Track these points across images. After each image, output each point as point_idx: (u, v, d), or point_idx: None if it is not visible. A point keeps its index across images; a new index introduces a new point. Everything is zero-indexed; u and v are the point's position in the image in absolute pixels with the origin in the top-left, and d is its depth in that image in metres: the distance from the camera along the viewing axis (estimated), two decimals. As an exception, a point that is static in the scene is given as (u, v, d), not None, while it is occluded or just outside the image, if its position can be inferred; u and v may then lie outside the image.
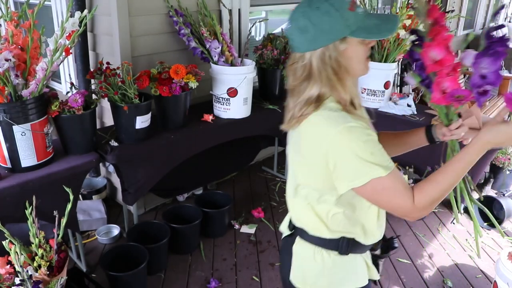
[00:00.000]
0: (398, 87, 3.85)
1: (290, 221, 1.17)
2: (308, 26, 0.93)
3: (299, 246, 1.12)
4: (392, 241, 1.25)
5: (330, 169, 0.96)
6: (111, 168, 2.68)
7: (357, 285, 1.10)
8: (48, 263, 1.52)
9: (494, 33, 1.08)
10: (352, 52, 0.96)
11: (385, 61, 2.73)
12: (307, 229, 1.09)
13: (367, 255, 1.15)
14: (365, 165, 0.91)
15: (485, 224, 2.86)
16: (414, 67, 1.08)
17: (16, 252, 1.42)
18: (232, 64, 2.43)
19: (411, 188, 0.96)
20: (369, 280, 1.14)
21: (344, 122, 0.93)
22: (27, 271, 1.44)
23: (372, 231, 1.08)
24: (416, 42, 1.08)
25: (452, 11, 5.39)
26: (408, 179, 2.81)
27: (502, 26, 1.00)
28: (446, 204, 3.13)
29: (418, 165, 2.85)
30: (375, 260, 1.18)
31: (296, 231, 1.13)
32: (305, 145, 1.00)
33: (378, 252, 1.20)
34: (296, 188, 1.08)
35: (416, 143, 1.27)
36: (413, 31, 1.05)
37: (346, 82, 0.98)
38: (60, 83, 3.05)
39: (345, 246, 1.06)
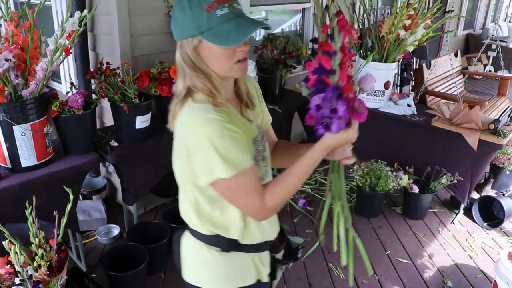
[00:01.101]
0: (398, 87, 3.85)
1: None
2: (172, 17, 0.96)
3: (186, 239, 1.13)
4: (297, 251, 1.25)
5: (189, 161, 0.95)
6: (111, 168, 2.68)
7: (240, 284, 1.10)
8: (48, 263, 1.52)
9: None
10: (207, 53, 0.95)
11: (385, 61, 2.73)
12: (188, 223, 1.10)
13: (260, 256, 1.12)
14: (216, 161, 0.90)
15: (485, 224, 2.87)
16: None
17: (16, 252, 1.42)
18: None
19: (262, 188, 0.96)
20: (259, 280, 1.13)
21: (204, 114, 0.92)
22: (27, 271, 1.44)
23: (249, 230, 1.06)
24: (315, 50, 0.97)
25: (452, 11, 5.39)
26: (408, 179, 2.81)
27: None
28: (446, 204, 3.13)
29: (418, 165, 2.85)
30: (273, 264, 1.17)
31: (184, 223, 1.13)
32: (175, 139, 1.00)
33: (279, 256, 1.19)
34: (178, 182, 1.07)
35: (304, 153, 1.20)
36: (314, 40, 0.97)
37: (208, 78, 0.97)
38: (60, 83, 3.05)
39: (225, 244, 1.06)
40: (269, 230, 1.13)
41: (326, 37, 0.91)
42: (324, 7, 0.93)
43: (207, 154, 0.90)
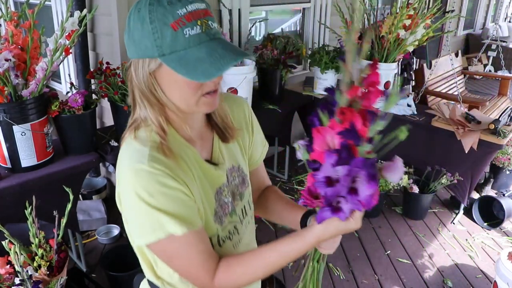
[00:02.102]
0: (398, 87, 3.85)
1: None
2: (127, 28, 0.74)
3: (144, 286, 0.99)
4: None
5: (122, 213, 0.79)
6: (111, 168, 2.68)
7: None
8: (48, 263, 1.52)
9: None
10: (168, 80, 0.74)
11: (385, 61, 2.73)
12: (145, 273, 0.93)
13: None
14: (148, 223, 0.74)
15: (485, 224, 2.87)
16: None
17: (16, 252, 1.41)
18: (232, 64, 2.43)
19: (212, 259, 0.78)
20: None
21: (135, 162, 0.74)
22: (27, 271, 1.44)
23: None
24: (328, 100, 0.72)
25: (452, 11, 5.39)
26: (408, 179, 2.81)
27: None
28: (446, 204, 3.13)
29: (418, 165, 2.85)
30: None
31: None
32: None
33: None
34: None
35: (289, 222, 0.97)
36: (330, 91, 0.71)
37: (163, 111, 0.78)
38: (60, 83, 3.05)
39: None
40: None
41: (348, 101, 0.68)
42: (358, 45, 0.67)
43: (135, 212, 0.75)
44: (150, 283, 0.92)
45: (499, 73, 5.54)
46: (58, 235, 1.55)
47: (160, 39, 0.69)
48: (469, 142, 2.49)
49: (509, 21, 7.99)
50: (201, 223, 0.79)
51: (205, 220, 0.82)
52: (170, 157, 0.76)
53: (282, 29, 3.44)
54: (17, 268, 1.42)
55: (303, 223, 0.92)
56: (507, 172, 3.20)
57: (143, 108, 0.78)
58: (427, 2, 4.48)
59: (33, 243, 1.53)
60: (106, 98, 2.02)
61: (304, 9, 3.58)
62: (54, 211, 1.51)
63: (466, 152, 2.50)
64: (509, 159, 3.14)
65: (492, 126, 2.46)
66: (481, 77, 6.29)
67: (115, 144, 2.05)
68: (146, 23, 0.70)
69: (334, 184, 0.66)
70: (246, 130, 0.95)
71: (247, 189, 0.95)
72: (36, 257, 1.51)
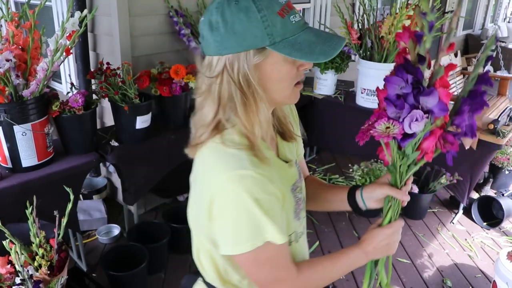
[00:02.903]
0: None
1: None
2: (219, 23, 0.70)
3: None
4: None
5: (212, 219, 0.75)
6: (111, 168, 2.68)
7: None
8: (48, 262, 1.52)
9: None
10: (272, 71, 0.73)
11: (385, 61, 2.74)
12: (204, 274, 0.90)
13: None
14: (248, 230, 0.71)
15: (485, 224, 2.87)
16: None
17: (17, 251, 1.42)
18: (232, 64, 2.43)
19: (294, 265, 0.80)
20: None
21: (237, 167, 0.71)
22: (28, 270, 1.45)
23: None
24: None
25: (452, 11, 5.39)
26: (408, 179, 2.82)
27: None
28: (446, 204, 3.13)
29: (418, 165, 2.85)
30: None
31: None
32: (195, 182, 0.81)
33: None
34: (191, 228, 0.88)
35: (335, 204, 1.01)
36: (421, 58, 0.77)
37: (256, 109, 0.75)
38: (61, 83, 3.05)
39: None
40: None
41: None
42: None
43: (232, 220, 0.72)
44: (211, 286, 0.89)
45: (498, 73, 5.54)
46: (58, 234, 1.55)
47: (270, 27, 0.69)
48: (469, 140, 2.50)
49: (508, 22, 8.00)
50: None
51: (287, 218, 0.83)
52: (264, 161, 0.75)
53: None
54: (18, 267, 1.42)
55: (351, 200, 0.95)
56: (506, 172, 3.21)
57: (232, 109, 0.74)
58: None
59: (33, 243, 1.53)
60: (106, 98, 2.02)
61: (304, 9, 3.58)
62: (54, 211, 1.51)
63: (466, 148, 2.50)
64: (508, 159, 3.15)
65: (491, 126, 2.47)
66: (480, 77, 6.28)
67: (116, 144, 2.06)
68: (253, 12, 0.69)
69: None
70: (294, 123, 0.97)
71: (303, 181, 0.96)
72: (37, 257, 1.51)
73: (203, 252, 0.86)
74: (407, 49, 0.79)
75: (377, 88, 0.83)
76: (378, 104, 0.83)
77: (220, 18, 0.70)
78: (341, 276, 0.85)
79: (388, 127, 0.77)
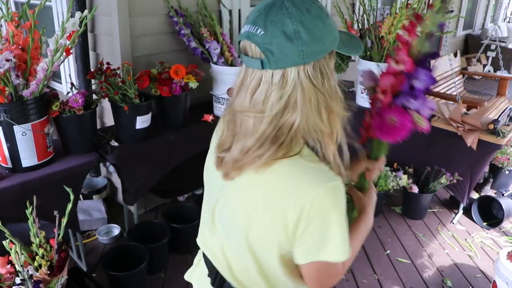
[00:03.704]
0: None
1: (219, 278, 0.93)
2: (300, 32, 0.70)
3: None
4: None
5: (290, 233, 0.75)
6: (111, 168, 2.68)
7: None
8: (48, 262, 1.52)
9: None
10: (325, 72, 0.74)
11: (384, 61, 2.74)
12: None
13: None
14: (342, 242, 0.75)
15: (484, 224, 2.87)
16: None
17: (17, 251, 1.42)
18: (232, 64, 2.43)
19: None
20: None
21: (328, 179, 0.73)
22: (28, 270, 1.45)
23: None
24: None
25: (452, 11, 5.40)
26: (408, 178, 2.82)
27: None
28: (446, 204, 3.13)
29: (418, 165, 2.85)
30: None
31: None
32: (271, 201, 0.77)
33: None
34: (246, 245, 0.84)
35: None
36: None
37: (333, 115, 0.76)
38: (61, 83, 3.05)
39: None
40: None
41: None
42: None
43: (328, 231, 0.73)
44: None
45: (498, 73, 5.54)
46: (58, 234, 1.55)
47: (335, 30, 0.75)
48: (470, 138, 2.50)
49: (508, 22, 8.00)
50: None
51: None
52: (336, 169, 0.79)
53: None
54: (18, 267, 1.42)
55: None
56: (506, 172, 3.21)
57: (315, 116, 0.74)
58: (427, 2, 4.49)
59: (33, 243, 1.53)
60: (106, 98, 2.02)
61: (303, 9, 3.58)
62: (54, 211, 1.51)
63: (469, 145, 2.50)
64: (508, 159, 3.15)
65: (491, 126, 2.47)
66: (480, 77, 6.30)
67: (116, 144, 2.06)
68: (325, 18, 0.73)
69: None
70: None
71: None
72: (37, 257, 1.51)
73: (263, 277, 0.86)
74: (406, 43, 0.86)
75: (382, 78, 0.91)
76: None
77: (301, 27, 0.70)
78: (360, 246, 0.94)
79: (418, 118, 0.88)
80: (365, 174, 1.02)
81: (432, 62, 0.83)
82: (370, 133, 0.94)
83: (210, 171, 0.91)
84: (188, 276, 1.13)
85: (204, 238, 0.99)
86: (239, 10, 2.86)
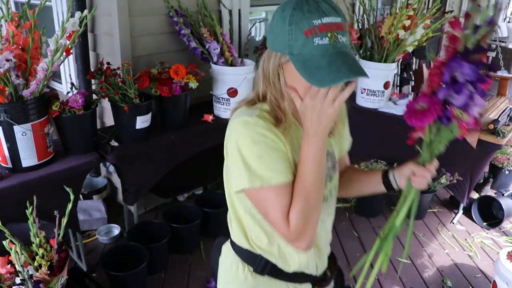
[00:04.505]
0: (398, 87, 3.85)
1: None
2: (272, 21, 0.85)
3: (225, 249, 1.07)
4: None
5: (226, 164, 0.93)
6: (111, 168, 2.68)
7: None
8: (48, 262, 1.52)
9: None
10: (290, 74, 0.84)
11: (384, 61, 2.74)
12: (232, 234, 1.03)
13: (302, 286, 1.02)
14: (242, 169, 0.84)
15: (484, 224, 2.87)
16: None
17: (17, 251, 1.42)
18: (232, 64, 2.43)
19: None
20: None
21: (244, 115, 0.86)
22: (28, 270, 1.45)
23: (290, 254, 0.97)
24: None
25: (452, 11, 5.39)
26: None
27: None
28: (446, 204, 3.13)
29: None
30: None
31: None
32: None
33: None
34: (225, 186, 1.00)
35: (371, 185, 1.09)
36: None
37: (281, 100, 0.89)
38: (61, 83, 3.06)
39: (262, 265, 0.97)
40: (311, 263, 1.01)
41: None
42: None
43: (235, 159, 0.85)
44: (235, 245, 1.01)
45: (498, 73, 5.54)
46: (58, 234, 1.55)
47: (292, 40, 0.79)
48: (470, 138, 2.50)
49: (508, 22, 7.99)
50: (292, 177, 0.86)
51: None
52: (279, 125, 0.87)
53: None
54: (18, 267, 1.42)
55: (386, 179, 1.03)
56: (506, 172, 3.21)
57: (268, 88, 0.89)
58: (427, 2, 4.49)
59: (33, 243, 1.53)
60: (106, 98, 2.02)
61: (304, 9, 3.58)
62: (54, 211, 1.51)
63: (474, 148, 2.50)
64: (508, 159, 3.15)
65: (491, 126, 2.47)
66: (480, 77, 6.28)
67: (116, 144, 2.06)
68: (286, 23, 0.80)
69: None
70: (341, 122, 1.07)
71: (336, 175, 1.04)
72: (37, 257, 1.51)
73: (232, 213, 0.99)
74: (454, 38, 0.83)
75: (430, 71, 0.88)
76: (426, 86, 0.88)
77: (272, 17, 0.85)
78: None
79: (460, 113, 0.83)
80: (411, 179, 0.96)
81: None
82: (417, 131, 0.91)
83: None
84: None
85: None
86: (239, 10, 2.86)
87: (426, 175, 0.94)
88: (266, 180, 0.83)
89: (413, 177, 0.96)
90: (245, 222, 0.96)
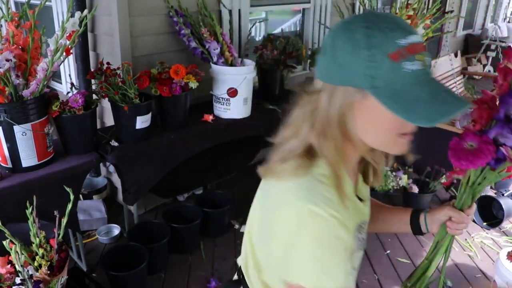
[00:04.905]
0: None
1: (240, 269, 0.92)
2: (327, 47, 0.67)
3: None
4: None
5: (272, 245, 0.73)
6: (111, 168, 2.68)
7: None
8: (48, 262, 1.52)
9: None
10: (370, 114, 0.66)
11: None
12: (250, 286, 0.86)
13: None
14: (299, 265, 0.69)
15: (484, 224, 2.87)
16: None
17: (17, 251, 1.42)
18: (232, 64, 2.43)
19: None
20: None
21: (311, 202, 0.66)
22: (28, 270, 1.45)
23: None
24: None
25: (452, 11, 5.40)
26: (408, 178, 2.82)
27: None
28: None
29: (418, 165, 2.85)
30: None
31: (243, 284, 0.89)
32: (264, 202, 0.78)
33: None
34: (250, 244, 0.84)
35: (396, 226, 1.00)
36: None
37: (342, 146, 0.71)
38: (61, 83, 3.06)
39: None
40: None
41: None
42: None
43: (288, 247, 0.69)
44: None
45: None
46: (58, 234, 1.55)
47: (375, 68, 0.61)
48: None
49: (508, 22, 7.99)
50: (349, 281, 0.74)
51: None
52: (342, 197, 0.70)
53: (282, 29, 3.44)
54: (18, 267, 1.42)
55: (414, 222, 0.94)
56: (507, 172, 3.21)
57: (324, 138, 0.69)
58: (427, 2, 4.49)
59: (33, 243, 1.53)
60: (106, 98, 2.02)
61: (304, 9, 3.58)
62: (54, 211, 1.51)
63: None
64: (509, 159, 3.15)
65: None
66: (480, 77, 6.29)
67: (116, 144, 2.06)
68: (361, 48, 0.62)
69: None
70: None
71: (367, 224, 0.91)
72: (37, 257, 1.51)
73: (253, 267, 0.84)
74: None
75: (476, 107, 0.79)
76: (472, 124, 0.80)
77: (331, 43, 0.66)
78: None
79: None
80: (446, 225, 0.88)
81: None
82: (456, 172, 0.84)
83: None
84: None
85: None
86: (239, 10, 2.86)
87: (466, 221, 0.85)
88: (319, 284, 0.68)
89: (450, 223, 0.88)
90: (269, 283, 0.81)
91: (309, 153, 0.71)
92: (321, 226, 0.66)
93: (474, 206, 0.86)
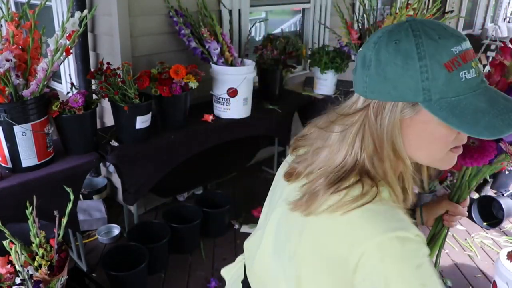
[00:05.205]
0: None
1: None
2: (371, 62, 0.61)
3: None
4: None
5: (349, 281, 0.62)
6: (111, 168, 2.68)
7: None
8: (48, 262, 1.52)
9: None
10: (422, 130, 0.61)
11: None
12: None
13: None
14: None
15: (484, 224, 2.87)
16: None
17: (17, 251, 1.42)
18: (232, 64, 2.43)
19: None
20: None
21: (396, 228, 0.59)
22: (28, 270, 1.45)
23: None
24: None
25: (452, 11, 5.40)
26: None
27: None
28: (446, 204, 3.13)
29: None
30: None
31: None
32: (310, 233, 0.66)
33: None
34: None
35: None
36: None
37: (396, 168, 0.65)
38: (61, 83, 3.06)
39: None
40: None
41: None
42: None
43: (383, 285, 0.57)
44: None
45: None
46: (58, 234, 1.55)
47: (429, 80, 0.57)
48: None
49: (508, 22, 8.00)
50: None
51: None
52: (406, 210, 0.65)
53: (282, 29, 3.45)
54: (18, 267, 1.42)
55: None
56: (506, 172, 3.20)
57: (376, 160, 0.63)
58: (427, 2, 4.49)
59: (33, 243, 1.53)
60: (106, 98, 2.02)
61: (304, 9, 3.59)
62: (54, 211, 1.51)
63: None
64: (509, 159, 3.15)
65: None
66: (480, 77, 6.30)
67: (116, 144, 2.06)
68: (412, 59, 0.57)
69: None
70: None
71: None
72: (37, 257, 1.51)
73: None
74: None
75: None
76: None
77: (374, 56, 0.61)
78: None
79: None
80: (443, 218, 0.84)
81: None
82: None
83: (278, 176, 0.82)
84: (224, 272, 1.03)
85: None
86: (239, 10, 2.86)
87: (463, 213, 0.83)
88: None
89: (447, 216, 0.85)
90: None
91: (365, 178, 0.64)
92: (416, 250, 0.59)
93: (468, 198, 0.87)
